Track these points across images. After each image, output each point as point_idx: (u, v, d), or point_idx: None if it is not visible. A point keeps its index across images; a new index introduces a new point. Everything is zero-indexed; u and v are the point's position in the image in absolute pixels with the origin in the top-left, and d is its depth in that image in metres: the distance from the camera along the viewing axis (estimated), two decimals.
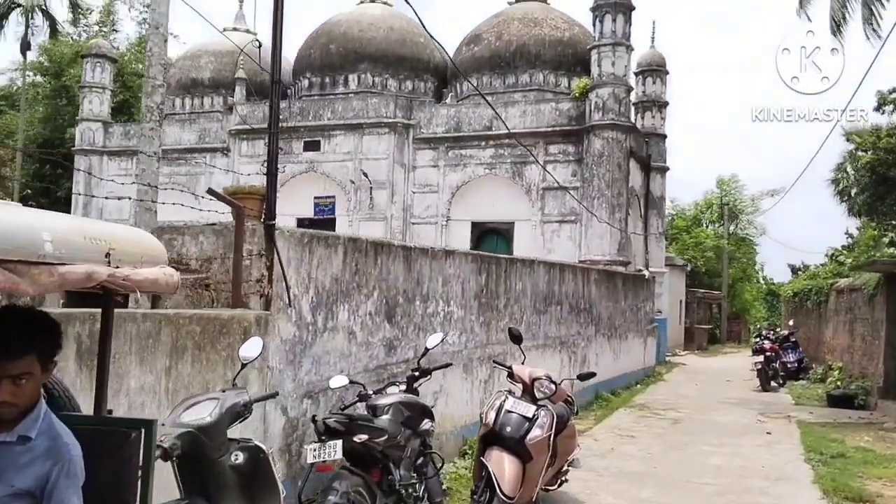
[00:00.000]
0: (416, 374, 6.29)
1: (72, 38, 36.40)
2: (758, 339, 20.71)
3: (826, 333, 21.00)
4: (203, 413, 3.63)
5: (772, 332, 22.13)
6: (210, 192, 5.23)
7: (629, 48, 21.21)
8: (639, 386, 17.80)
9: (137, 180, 5.24)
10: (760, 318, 55.46)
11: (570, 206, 21.42)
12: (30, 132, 32.18)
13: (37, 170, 32.02)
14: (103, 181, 24.81)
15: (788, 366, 20.16)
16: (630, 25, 21.27)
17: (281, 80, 6.18)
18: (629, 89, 21.41)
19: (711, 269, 45.66)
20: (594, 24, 21.46)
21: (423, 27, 9.69)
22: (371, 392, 5.83)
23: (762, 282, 59.95)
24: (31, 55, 31.70)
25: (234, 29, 28.58)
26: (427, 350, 6.56)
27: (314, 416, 5.13)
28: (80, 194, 25.41)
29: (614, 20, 20.93)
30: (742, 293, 51.04)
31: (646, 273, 20.23)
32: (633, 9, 21.36)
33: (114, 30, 37.66)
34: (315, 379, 5.92)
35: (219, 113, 25.65)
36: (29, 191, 27.81)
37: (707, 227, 51.15)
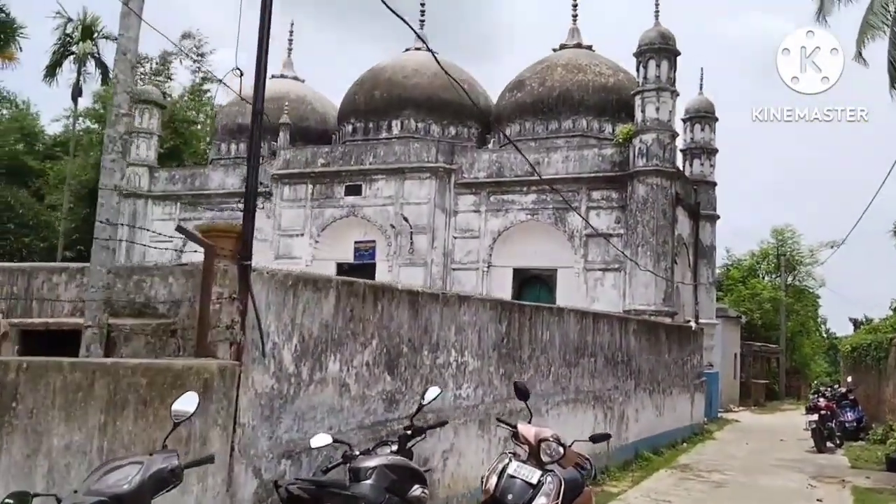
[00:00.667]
0: (409, 432, 5.75)
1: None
2: (814, 396, 19.53)
3: (886, 391, 19.76)
4: (122, 479, 3.16)
5: (828, 389, 20.91)
6: (179, 229, 4.86)
7: (674, 93, 20.67)
8: (685, 444, 16.87)
9: (97, 216, 4.84)
10: (821, 374, 53.28)
11: (614, 253, 20.74)
12: (82, 177, 32.83)
13: (87, 215, 32.59)
14: (147, 226, 25.09)
15: (846, 425, 18.93)
16: (675, 70, 20.76)
17: (266, 117, 5.82)
18: (674, 135, 20.80)
19: (769, 321, 44.10)
20: (638, 70, 21.00)
21: (442, 68, 9.33)
22: (358, 452, 5.32)
23: (823, 335, 57.74)
24: (87, 102, 32.54)
25: (282, 76, 28.92)
26: (421, 406, 6.03)
27: (276, 482, 4.63)
28: (122, 240, 25.62)
29: (658, 65, 20.45)
30: (802, 347, 49.16)
31: (693, 324, 19.35)
32: (678, 54, 20.86)
33: (168, 77, 38.61)
34: (297, 437, 5.42)
35: (262, 157, 25.71)
36: (76, 235, 28.23)
37: (763, 278, 49.59)
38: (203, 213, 25.79)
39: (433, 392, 6.04)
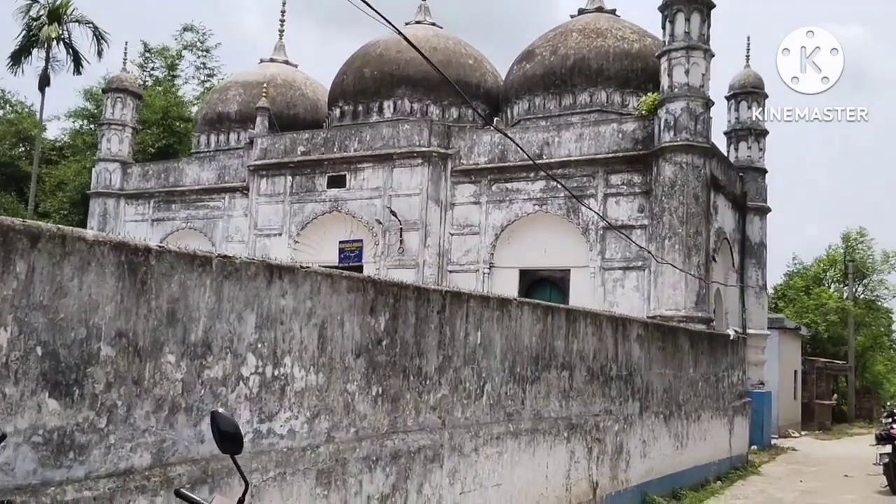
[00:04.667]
0: None
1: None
2: (888, 420, 15.64)
3: None
4: None
5: None
6: None
7: (707, 52, 17.11)
8: (718, 483, 13.29)
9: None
10: None
11: (637, 249, 17.23)
12: (76, 182, 30.61)
13: (80, 220, 30.41)
14: (119, 227, 22.55)
15: None
16: (708, 26, 17.24)
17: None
18: (708, 102, 17.20)
19: (835, 335, 39.63)
20: (664, 27, 17.51)
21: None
22: None
23: None
24: (77, 101, 30.41)
25: (272, 60, 26.24)
26: None
27: None
28: None
29: (688, 19, 16.95)
30: (873, 364, 44.33)
31: (731, 332, 15.69)
32: (713, 6, 17.34)
33: (173, 75, 36.44)
34: None
35: (240, 149, 22.94)
36: None
37: (829, 286, 44.97)
38: (178, 212, 23.07)
39: None
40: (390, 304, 5.77)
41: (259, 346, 4.64)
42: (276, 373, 4.76)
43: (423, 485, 6.05)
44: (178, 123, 30.59)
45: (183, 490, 2.80)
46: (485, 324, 7.00)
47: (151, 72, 36.80)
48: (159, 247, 4.11)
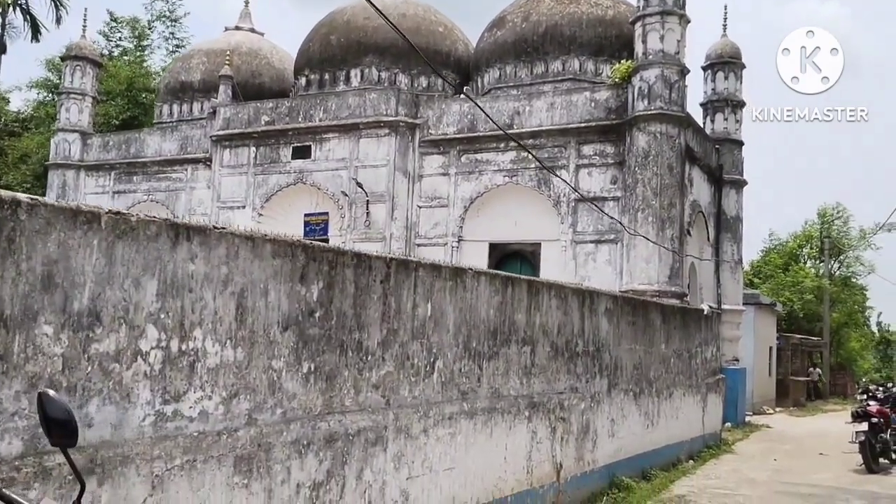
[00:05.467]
0: None
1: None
2: (864, 398, 15.35)
3: None
4: None
5: (881, 389, 16.66)
6: None
7: (683, 18, 16.56)
8: (690, 463, 12.91)
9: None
10: (870, 370, 48.48)
11: (609, 221, 16.74)
12: (40, 154, 29.59)
13: (43, 194, 29.43)
14: (79, 200, 21.71)
15: None
16: None
17: None
18: (683, 70, 16.66)
19: (810, 311, 39.56)
20: None
21: None
22: None
23: (874, 328, 52.73)
24: (40, 72, 29.32)
25: (237, 28, 25.35)
26: None
27: None
28: None
29: None
30: (848, 340, 44.43)
31: (704, 307, 15.27)
32: None
33: (143, 45, 35.37)
34: None
35: (203, 119, 22.12)
36: None
37: (806, 263, 44.86)
38: (139, 184, 22.27)
39: None
40: (325, 272, 5.20)
41: (162, 316, 4.05)
42: (183, 347, 4.18)
43: (364, 470, 5.52)
44: (143, 95, 29.61)
45: (3, 490, 2.22)
46: (436, 295, 6.45)
47: (119, 42, 35.67)
48: (31, 199, 3.50)
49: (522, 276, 8.21)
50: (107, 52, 34.78)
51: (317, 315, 5.11)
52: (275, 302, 4.77)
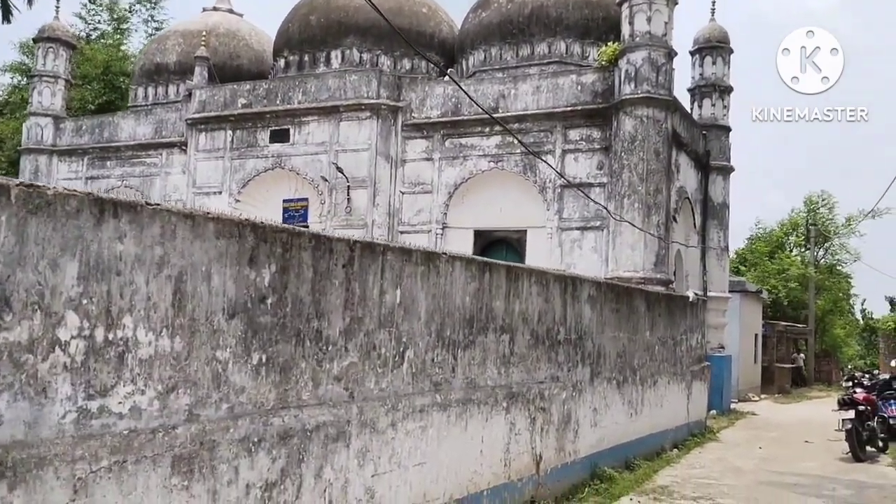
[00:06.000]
0: None
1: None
2: (850, 385, 15.08)
3: None
4: None
5: (866, 376, 16.41)
6: None
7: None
8: (675, 451, 12.60)
9: None
10: (854, 356, 48.49)
11: (596, 208, 16.36)
12: (15, 140, 28.93)
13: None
14: (52, 185, 21.12)
15: (891, 422, 14.47)
16: None
17: None
18: (671, 53, 16.24)
19: (796, 299, 39.40)
20: None
21: None
22: None
23: (858, 316, 52.70)
24: (13, 55, 28.58)
25: (215, 9, 24.73)
26: None
27: None
28: None
29: None
30: (833, 328, 44.37)
31: (690, 294, 14.94)
32: None
33: (122, 28, 34.65)
34: None
35: (179, 102, 21.53)
36: None
37: (792, 251, 44.70)
38: (113, 169, 21.70)
39: None
40: (278, 255, 4.78)
41: (84, 302, 3.62)
42: (110, 336, 3.76)
43: (324, 468, 5.12)
44: (121, 79, 28.91)
45: None
46: (406, 280, 6.05)
47: (97, 25, 34.91)
48: None
49: (500, 262, 7.82)
50: (84, 35, 34.04)
51: (269, 302, 4.70)
52: (219, 287, 4.36)
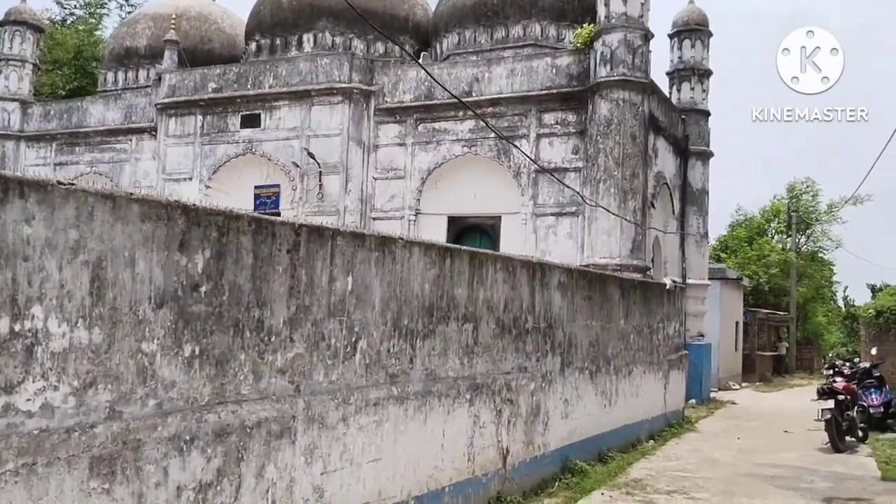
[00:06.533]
0: None
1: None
2: (829, 373, 14.93)
3: None
4: None
5: (847, 364, 16.25)
6: None
7: None
8: (651, 443, 12.39)
9: None
10: (836, 344, 48.66)
11: (571, 193, 16.09)
12: None
13: None
14: (19, 172, 20.61)
15: (871, 411, 14.35)
16: None
17: None
18: (647, 35, 15.97)
19: (777, 286, 39.37)
20: None
21: None
22: None
23: (840, 303, 52.88)
24: None
25: None
26: None
27: None
28: None
29: None
30: (814, 315, 44.43)
31: (667, 282, 14.72)
32: None
33: (100, 14, 33.99)
34: None
35: (149, 87, 21.06)
36: None
37: (773, 237, 44.68)
38: (82, 155, 21.21)
39: None
40: (213, 239, 4.45)
41: None
42: (17, 328, 3.43)
43: (266, 467, 4.81)
44: (92, 63, 28.32)
45: None
46: (358, 267, 5.74)
47: (74, 10, 34.22)
48: None
49: (463, 248, 7.51)
50: (60, 20, 33.38)
51: (202, 290, 4.38)
52: (145, 274, 4.03)
